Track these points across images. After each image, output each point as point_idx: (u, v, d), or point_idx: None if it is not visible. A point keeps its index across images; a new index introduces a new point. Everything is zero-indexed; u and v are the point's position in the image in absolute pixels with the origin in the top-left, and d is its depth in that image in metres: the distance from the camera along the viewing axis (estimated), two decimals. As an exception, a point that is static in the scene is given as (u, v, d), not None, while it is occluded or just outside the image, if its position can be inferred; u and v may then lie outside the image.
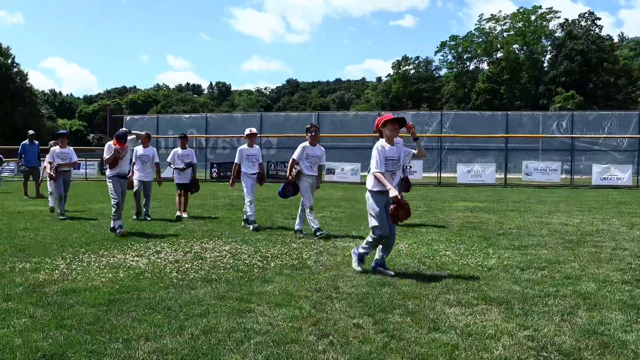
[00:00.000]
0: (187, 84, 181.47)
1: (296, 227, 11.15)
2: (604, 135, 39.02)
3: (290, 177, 11.10)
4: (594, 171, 32.82)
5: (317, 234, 10.64)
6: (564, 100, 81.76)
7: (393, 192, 7.15)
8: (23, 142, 21.65)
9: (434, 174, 37.83)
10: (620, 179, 31.98)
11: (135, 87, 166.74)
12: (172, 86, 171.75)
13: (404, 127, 7.60)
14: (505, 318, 5.45)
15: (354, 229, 11.97)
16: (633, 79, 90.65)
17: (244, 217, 12.35)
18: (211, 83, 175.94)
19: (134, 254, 8.72)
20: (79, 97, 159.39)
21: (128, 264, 7.93)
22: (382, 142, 7.51)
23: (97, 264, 7.90)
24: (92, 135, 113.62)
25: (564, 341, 4.82)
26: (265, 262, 8.20)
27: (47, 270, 7.40)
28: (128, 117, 54.27)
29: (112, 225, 11.10)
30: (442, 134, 41.23)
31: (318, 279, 7.02)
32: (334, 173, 35.59)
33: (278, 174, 35.90)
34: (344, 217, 14.36)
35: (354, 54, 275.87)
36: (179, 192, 14.63)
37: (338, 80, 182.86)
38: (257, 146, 12.90)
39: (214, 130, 45.20)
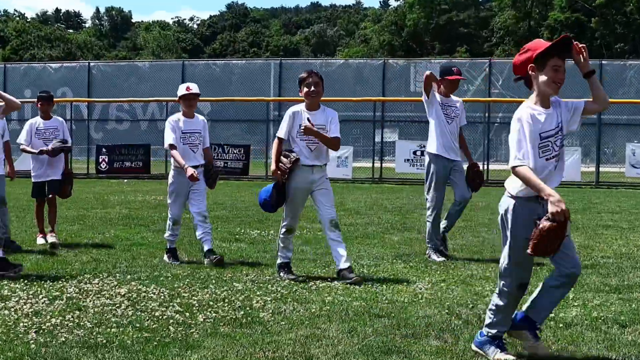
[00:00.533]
0: (57, 10, 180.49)
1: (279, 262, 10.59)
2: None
3: (278, 172, 10.09)
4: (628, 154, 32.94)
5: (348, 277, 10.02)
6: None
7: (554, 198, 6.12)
8: None
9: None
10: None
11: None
12: (30, 15, 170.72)
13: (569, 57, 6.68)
14: None
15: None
16: None
17: (167, 246, 12.07)
18: (97, 10, 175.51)
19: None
20: None
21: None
22: (529, 104, 6.75)
23: None
24: None
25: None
26: (188, 313, 8.18)
27: None
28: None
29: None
30: (492, 99, 41.12)
31: (278, 343, 7.01)
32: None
33: (214, 166, 35.76)
34: (323, 238, 14.33)
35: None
36: (38, 199, 14.03)
37: (315, 6, 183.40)
38: (201, 117, 12.66)
39: (103, 90, 44.84)
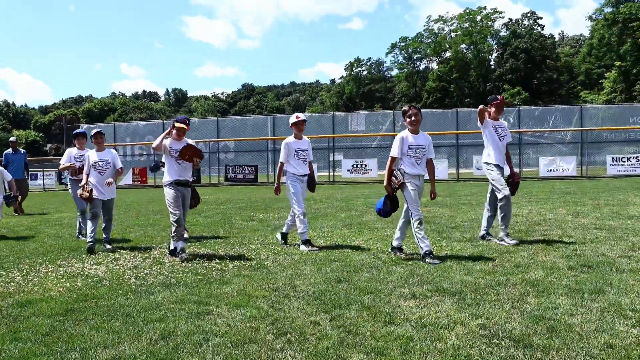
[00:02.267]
0: (144, 91, 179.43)
1: (394, 243, 8.61)
2: (549, 129, 39.86)
3: (391, 184, 8.16)
4: (541, 163, 33.38)
5: (428, 260, 7.82)
6: (511, 96, 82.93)
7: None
8: (5, 152, 18.07)
9: (381, 172, 38.11)
10: (565, 170, 32.60)
11: (91, 96, 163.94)
12: (128, 94, 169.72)
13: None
14: (458, 308, 5.50)
15: (311, 227, 11.92)
16: (574, 75, 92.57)
17: (283, 231, 10.02)
18: (167, 90, 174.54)
19: (92, 263, 8.54)
20: (33, 108, 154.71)
21: (86, 273, 7.76)
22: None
23: (54, 274, 7.71)
24: (49, 145, 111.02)
25: (514, 327, 4.89)
26: (223, 264, 8.12)
27: (2, 284, 7.20)
28: (85, 126, 53.26)
29: (171, 247, 8.86)
30: (395, 133, 41.42)
31: (276, 279, 6.98)
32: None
33: (236, 177, 35.63)
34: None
35: (306, 58, 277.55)
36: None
37: (292, 84, 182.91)
38: (307, 138, 10.07)
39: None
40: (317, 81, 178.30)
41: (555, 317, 5.14)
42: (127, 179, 36.43)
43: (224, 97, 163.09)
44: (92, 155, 10.16)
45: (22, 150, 18.53)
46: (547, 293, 5.95)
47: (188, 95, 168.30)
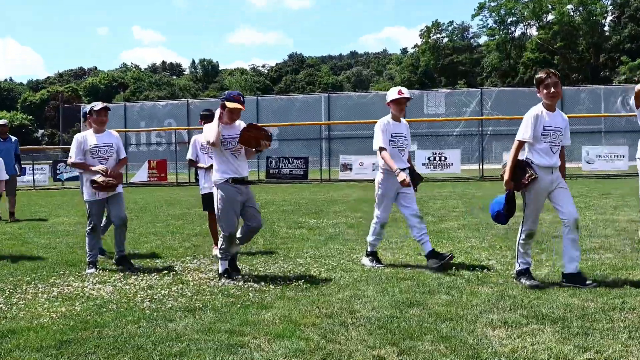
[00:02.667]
0: (163, 63, 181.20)
1: (369, 248, 9.13)
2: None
3: (519, 179, 7.48)
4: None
5: (523, 280, 7.56)
6: (630, 71, 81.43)
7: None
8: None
9: (475, 166, 37.71)
10: None
11: (95, 68, 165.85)
12: (143, 66, 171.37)
13: None
14: (561, 339, 5.45)
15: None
16: None
17: (369, 250, 9.42)
18: (193, 61, 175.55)
19: (94, 281, 8.62)
20: (21, 83, 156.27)
21: (87, 294, 7.81)
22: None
23: (45, 296, 7.74)
24: (41, 131, 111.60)
25: (634, 365, 4.81)
26: (263, 283, 8.13)
27: (-22, 308, 7.25)
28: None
29: (220, 269, 8.59)
30: (483, 117, 41.15)
31: (330, 302, 6.96)
32: (350, 169, 35.49)
33: (281, 173, 35.69)
34: (363, 223, 14.26)
35: (370, 21, 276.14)
36: (209, 211, 10.69)
37: (353, 54, 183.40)
38: (406, 122, 9.44)
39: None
40: (385, 51, 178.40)
41: None
42: (142, 175, 36.79)
43: (266, 71, 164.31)
44: (89, 137, 9.57)
45: (13, 138, 18.07)
46: None
47: (220, 68, 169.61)
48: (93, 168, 9.39)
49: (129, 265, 9.50)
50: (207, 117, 10.47)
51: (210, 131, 8.36)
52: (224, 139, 8.32)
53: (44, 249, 11.84)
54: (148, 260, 10.19)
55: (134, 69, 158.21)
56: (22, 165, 20.37)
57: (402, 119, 9.20)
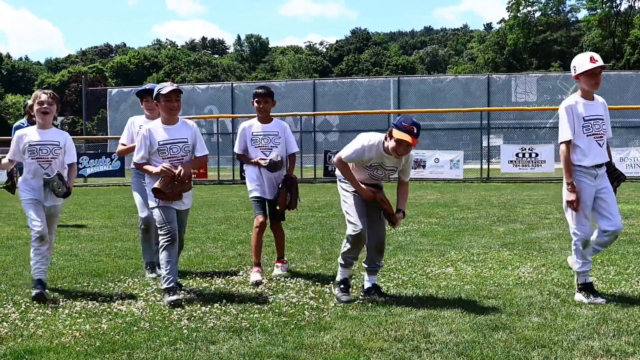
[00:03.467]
0: (203, 39, 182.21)
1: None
2: None
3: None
4: None
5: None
6: None
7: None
8: (18, 124, 15.66)
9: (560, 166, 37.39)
10: None
11: (124, 45, 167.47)
12: (180, 43, 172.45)
13: None
14: None
15: (453, 247, 11.83)
16: None
17: None
18: (239, 37, 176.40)
19: (123, 294, 8.66)
20: (38, 62, 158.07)
21: (115, 310, 7.85)
22: None
23: (67, 311, 7.80)
24: (60, 118, 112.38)
25: None
26: (321, 299, 8.15)
27: (-10, 324, 7.34)
28: (114, 90, 54.58)
29: (338, 278, 8.32)
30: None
31: (400, 323, 6.95)
32: (424, 166, 35.36)
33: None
34: (438, 230, 14.23)
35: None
36: (261, 216, 9.92)
37: (428, 30, 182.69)
38: (600, 99, 8.18)
39: (244, 107, 44.82)
40: (465, 26, 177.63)
41: None
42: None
43: (324, 50, 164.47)
44: (156, 131, 8.41)
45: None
46: None
47: (270, 46, 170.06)
48: (153, 170, 8.20)
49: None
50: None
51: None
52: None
53: (65, 256, 11.91)
54: (185, 270, 10.20)
55: (169, 47, 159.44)
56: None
57: (595, 96, 7.94)
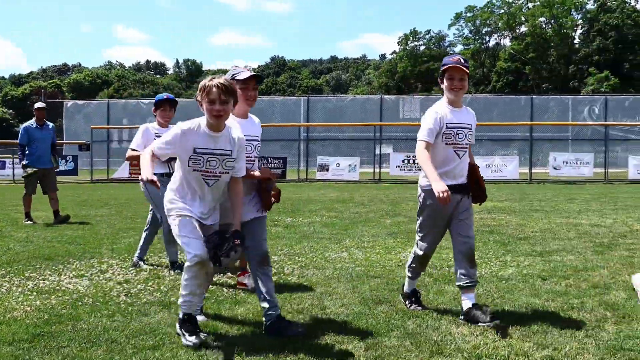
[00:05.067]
0: (148, 61, 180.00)
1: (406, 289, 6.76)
2: (641, 123, 39.52)
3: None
4: (631, 164, 33.10)
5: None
6: (597, 82, 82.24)
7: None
8: (26, 125, 15.08)
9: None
10: (659, 172, 32.33)
11: (80, 64, 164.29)
12: (128, 64, 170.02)
13: None
14: (522, 337, 5.50)
15: (348, 236, 11.86)
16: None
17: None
18: (177, 61, 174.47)
19: (71, 275, 8.41)
20: (2, 77, 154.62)
21: (63, 288, 7.62)
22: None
23: (20, 290, 7.52)
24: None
25: (588, 360, 4.84)
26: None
27: (-50, 302, 7.04)
28: (69, 103, 53.59)
29: (406, 289, 6.74)
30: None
31: (301, 298, 6.94)
32: (327, 170, 35.41)
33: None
34: (337, 222, 14.24)
35: (350, 27, 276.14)
36: None
37: (333, 59, 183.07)
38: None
39: (181, 118, 44.18)
40: (364, 56, 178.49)
41: (637, 348, 5.17)
42: (123, 171, 36.31)
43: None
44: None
45: (50, 124, 15.41)
46: (628, 319, 6.01)
47: (203, 69, 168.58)
48: (256, 174, 5.92)
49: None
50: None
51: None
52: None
53: (21, 242, 11.50)
54: (126, 255, 9.97)
55: (119, 67, 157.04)
56: (1, 159, 17.01)
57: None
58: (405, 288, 6.67)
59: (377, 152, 37.56)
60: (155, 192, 8.31)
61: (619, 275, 7.98)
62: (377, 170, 35.67)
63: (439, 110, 6.21)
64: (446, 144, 6.16)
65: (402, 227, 13.14)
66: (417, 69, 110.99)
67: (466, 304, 6.03)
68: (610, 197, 20.65)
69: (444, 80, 6.25)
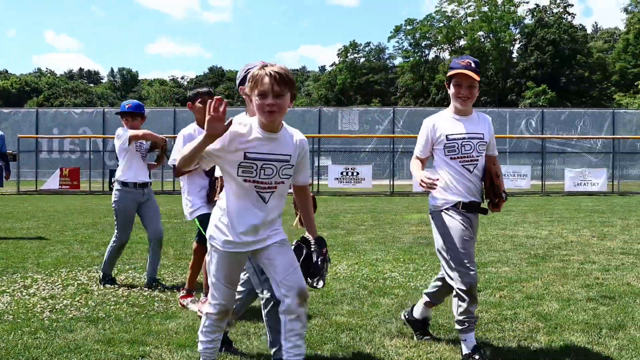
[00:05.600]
0: (81, 69, 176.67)
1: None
2: (576, 136, 40.65)
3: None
4: (567, 176, 33.79)
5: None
6: (535, 95, 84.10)
7: None
8: None
9: (386, 182, 38.00)
10: (594, 184, 33.05)
11: (6, 71, 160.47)
12: (59, 72, 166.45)
13: None
14: (454, 348, 5.56)
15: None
16: (607, 74, 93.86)
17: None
18: (112, 69, 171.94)
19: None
20: None
21: (-19, 305, 7.39)
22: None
23: None
24: None
25: (519, 370, 4.93)
26: (169, 293, 8.01)
27: None
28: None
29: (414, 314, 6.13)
30: (395, 134, 41.70)
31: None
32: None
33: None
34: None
35: (288, 38, 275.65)
36: None
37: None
38: None
39: (114, 129, 43.40)
40: (304, 68, 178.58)
41: (567, 357, 5.34)
42: (53, 182, 35.68)
43: (185, 83, 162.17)
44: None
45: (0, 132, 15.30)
46: (560, 329, 6.19)
47: (139, 78, 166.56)
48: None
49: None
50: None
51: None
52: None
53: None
54: (52, 269, 9.68)
55: (49, 75, 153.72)
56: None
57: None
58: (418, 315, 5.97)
59: (316, 164, 37.62)
60: (122, 206, 8.56)
61: (552, 286, 8.19)
62: (315, 182, 35.67)
63: (436, 122, 5.63)
64: (451, 157, 5.52)
65: (339, 239, 13.13)
66: (356, 81, 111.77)
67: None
68: (547, 209, 21.04)
69: (451, 86, 5.53)
